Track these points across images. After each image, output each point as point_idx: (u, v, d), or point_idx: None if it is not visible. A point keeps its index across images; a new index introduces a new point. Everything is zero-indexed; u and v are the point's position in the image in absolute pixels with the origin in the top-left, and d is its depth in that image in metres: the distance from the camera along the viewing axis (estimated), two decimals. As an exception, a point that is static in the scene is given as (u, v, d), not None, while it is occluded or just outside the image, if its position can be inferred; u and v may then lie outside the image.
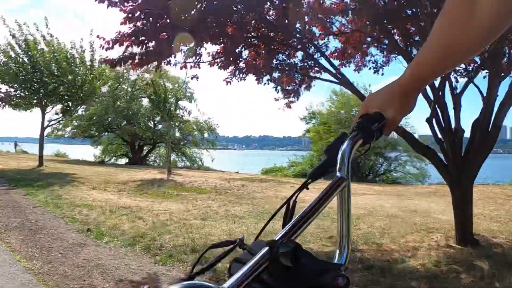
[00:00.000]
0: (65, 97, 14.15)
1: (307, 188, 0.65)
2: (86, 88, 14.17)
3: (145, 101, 27.02)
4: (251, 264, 0.47)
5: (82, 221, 5.78)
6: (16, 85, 13.45)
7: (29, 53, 12.92)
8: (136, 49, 4.86)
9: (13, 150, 37.43)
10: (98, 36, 5.02)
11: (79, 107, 15.91)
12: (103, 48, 4.84)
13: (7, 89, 13.69)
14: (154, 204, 7.63)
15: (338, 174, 0.61)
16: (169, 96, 16.03)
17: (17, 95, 13.89)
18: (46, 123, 14.90)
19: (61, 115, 15.87)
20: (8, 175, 11.09)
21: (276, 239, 0.50)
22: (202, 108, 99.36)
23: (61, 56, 13.52)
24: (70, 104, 14.54)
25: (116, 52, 7.23)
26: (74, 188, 9.08)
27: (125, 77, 26.45)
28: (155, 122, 27.72)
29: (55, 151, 34.36)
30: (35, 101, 14.14)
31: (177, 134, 27.02)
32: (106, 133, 28.66)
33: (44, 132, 14.69)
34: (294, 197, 0.63)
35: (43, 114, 14.48)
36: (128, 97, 26.75)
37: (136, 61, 4.98)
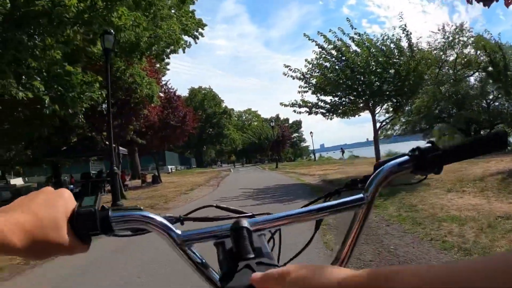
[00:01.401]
0: (392, 92, 13.12)
1: (339, 195, 0.62)
2: (412, 77, 12.59)
3: (471, 80, 24.22)
4: None
5: (457, 245, 4.03)
6: (339, 93, 13.74)
7: (343, 58, 12.88)
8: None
9: (342, 157, 42.07)
10: None
11: (409, 100, 14.53)
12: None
13: (331, 99, 14.23)
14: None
15: (362, 193, 0.58)
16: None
17: (343, 103, 14.17)
18: (378, 125, 14.40)
19: (391, 113, 15.07)
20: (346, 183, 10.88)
21: None
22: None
23: (377, 51, 12.73)
24: (400, 99, 13.34)
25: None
26: (426, 193, 7.51)
27: (443, 59, 23.71)
28: (488, 101, 23.83)
29: (386, 151, 35.58)
30: (361, 105, 14.03)
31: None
32: (437, 124, 27.07)
33: (377, 134, 14.26)
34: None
35: (373, 116, 14.07)
36: (452, 80, 23.70)
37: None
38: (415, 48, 12.89)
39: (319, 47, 13.10)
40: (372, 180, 0.59)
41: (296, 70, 13.34)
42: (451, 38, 23.40)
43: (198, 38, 29.29)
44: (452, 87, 22.90)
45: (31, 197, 0.50)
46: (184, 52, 30.79)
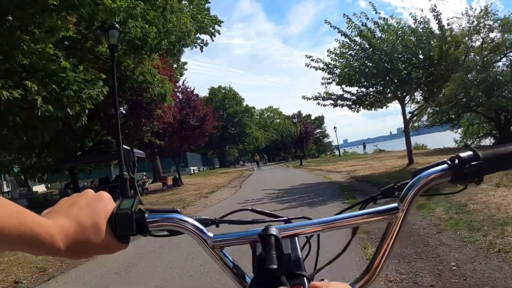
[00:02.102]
0: (422, 79, 11.97)
1: (375, 202, 0.62)
2: (445, 61, 11.42)
3: (500, 65, 22.97)
4: None
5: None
6: (365, 83, 12.69)
7: (367, 46, 11.81)
8: None
9: (365, 151, 40.73)
10: None
11: (442, 88, 13.31)
12: None
13: (357, 90, 13.15)
14: None
15: (396, 203, 0.56)
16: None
17: (370, 93, 13.09)
18: (408, 116, 13.27)
19: (422, 103, 13.89)
20: (378, 181, 9.85)
21: None
22: None
23: (404, 34, 11.62)
24: (431, 86, 12.16)
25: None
26: (473, 189, 6.50)
27: (469, 45, 22.33)
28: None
29: (412, 144, 33.88)
30: (389, 95, 12.94)
31: None
32: (467, 114, 25.63)
33: (408, 126, 13.13)
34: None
35: (403, 106, 12.96)
36: (479, 66, 22.18)
37: None
38: (446, 30, 11.70)
39: (342, 34, 12.12)
40: (408, 188, 0.56)
41: (319, 60, 12.39)
42: (476, 22, 21.83)
43: (214, 36, 28.71)
44: (480, 73, 21.33)
45: (74, 200, 0.53)
46: (202, 51, 30.47)
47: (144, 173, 26.04)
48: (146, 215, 0.55)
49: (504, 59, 22.77)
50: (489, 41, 22.53)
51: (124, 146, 13.75)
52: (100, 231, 0.50)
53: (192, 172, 36.36)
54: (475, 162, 0.53)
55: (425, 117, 26.84)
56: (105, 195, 0.55)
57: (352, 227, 0.58)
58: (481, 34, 22.44)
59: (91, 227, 0.50)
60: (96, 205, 0.52)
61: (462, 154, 0.55)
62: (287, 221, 0.64)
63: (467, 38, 21.49)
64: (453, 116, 25.58)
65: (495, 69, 22.60)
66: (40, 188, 26.54)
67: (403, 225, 0.55)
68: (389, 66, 11.56)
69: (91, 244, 0.50)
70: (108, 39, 8.40)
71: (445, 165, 0.55)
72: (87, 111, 7.19)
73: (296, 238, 0.60)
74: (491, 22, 22.05)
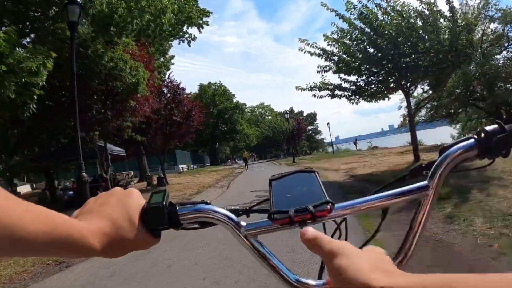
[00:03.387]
0: (430, 68, 10.78)
1: (403, 181, 0.61)
2: (455, 47, 10.25)
3: (499, 58, 21.82)
4: None
5: None
6: (366, 71, 11.47)
7: (368, 29, 10.57)
8: None
9: (359, 148, 39.83)
10: None
11: (451, 76, 12.15)
12: None
13: (357, 79, 11.91)
14: None
15: (426, 181, 0.55)
16: None
17: (372, 82, 11.86)
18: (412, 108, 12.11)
19: (425, 95, 12.73)
20: (384, 180, 8.64)
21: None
22: None
23: (410, 16, 10.41)
24: (440, 75, 10.98)
25: None
26: (506, 189, 5.32)
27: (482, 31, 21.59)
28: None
29: (408, 141, 33.34)
30: (392, 85, 11.76)
31: None
32: (466, 109, 24.79)
33: (413, 118, 11.98)
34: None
35: (407, 97, 11.79)
36: (479, 58, 21.25)
37: None
38: (458, 12, 10.55)
39: (340, 17, 10.87)
40: (437, 166, 0.55)
41: (315, 44, 11.13)
42: (475, 14, 20.84)
43: (202, 27, 27.34)
44: (480, 66, 20.34)
45: (104, 199, 0.53)
46: (189, 45, 29.09)
47: (132, 172, 24.60)
48: (177, 208, 0.55)
49: (504, 52, 21.87)
50: (490, 32, 21.62)
51: (98, 143, 12.40)
52: (134, 227, 0.50)
53: (181, 170, 34.93)
54: (501, 135, 0.52)
55: (423, 112, 25.95)
56: (134, 191, 0.55)
57: (381, 208, 0.56)
58: (481, 26, 21.51)
59: (125, 224, 0.49)
60: (126, 202, 0.52)
61: (488, 128, 0.54)
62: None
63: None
64: (452, 111, 24.84)
65: (496, 62, 21.69)
66: (25, 189, 24.94)
67: (433, 203, 0.55)
68: (393, 51, 10.35)
69: (126, 241, 0.49)
70: (67, 16, 7.07)
71: (472, 140, 0.55)
72: (35, 97, 5.89)
73: (323, 223, 0.58)
74: (491, 13, 21.11)
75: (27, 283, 4.05)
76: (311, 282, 0.51)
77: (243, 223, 0.56)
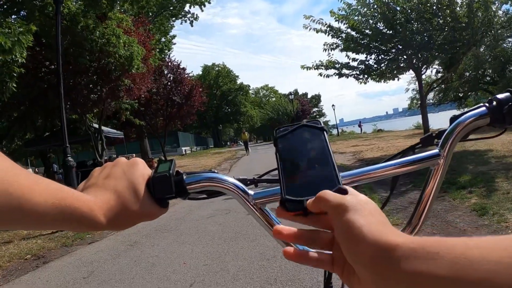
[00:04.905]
0: (444, 46, 10.08)
1: (413, 152, 0.60)
2: (473, 24, 9.52)
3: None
4: None
5: None
6: (375, 49, 10.76)
7: (378, 3, 9.80)
8: None
9: (364, 131, 39.10)
10: None
11: (466, 55, 11.42)
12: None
13: (366, 57, 11.20)
14: None
15: (437, 149, 0.55)
16: None
17: (382, 61, 11.16)
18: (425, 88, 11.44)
19: (440, 74, 12.03)
20: None
21: None
22: None
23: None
24: (454, 54, 10.27)
25: None
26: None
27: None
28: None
29: (414, 124, 32.68)
30: (402, 65, 11.07)
31: None
32: (475, 92, 24.15)
33: (425, 100, 11.33)
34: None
35: (419, 77, 11.13)
36: (490, 41, 20.29)
37: None
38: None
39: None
40: (448, 134, 0.56)
41: (321, 21, 10.41)
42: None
43: (204, 5, 26.50)
44: (492, 49, 19.37)
45: (108, 171, 0.51)
46: (192, 25, 28.33)
47: (134, 155, 24.24)
48: (184, 177, 0.53)
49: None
50: (501, 14, 20.60)
51: (94, 125, 11.90)
52: (140, 197, 0.49)
53: (184, 152, 34.50)
54: None
55: (430, 95, 25.22)
56: (139, 160, 0.53)
57: (392, 176, 0.56)
58: (493, 7, 20.47)
59: (130, 196, 0.48)
60: (132, 172, 0.50)
61: (500, 96, 0.54)
62: None
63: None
64: (461, 95, 24.27)
65: (508, 45, 20.73)
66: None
67: (444, 172, 0.55)
68: (405, 28, 9.64)
69: (132, 212, 0.48)
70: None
71: (483, 108, 0.55)
72: (15, 75, 5.35)
73: None
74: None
75: (-4, 284, 3.60)
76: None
77: (251, 192, 0.54)
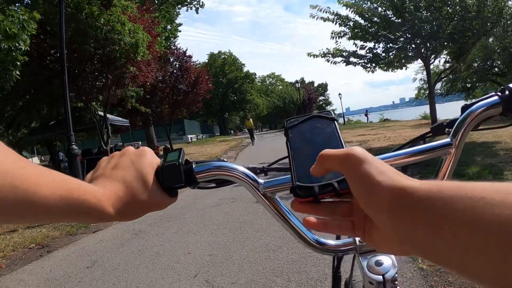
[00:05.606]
0: (452, 36, 9.86)
1: (424, 141, 0.58)
2: (483, 13, 9.29)
3: None
4: None
5: None
6: (383, 38, 10.56)
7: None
8: None
9: (370, 120, 38.73)
10: None
11: (476, 44, 11.16)
12: None
13: (374, 46, 10.99)
14: None
15: (448, 138, 0.55)
16: None
17: (390, 49, 10.96)
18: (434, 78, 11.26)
19: (449, 64, 11.80)
20: None
21: None
22: None
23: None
24: (464, 44, 10.05)
25: None
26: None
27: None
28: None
29: (421, 114, 32.35)
30: (411, 54, 10.87)
31: None
32: (483, 83, 23.86)
33: (433, 89, 11.15)
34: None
35: (427, 66, 10.94)
36: (499, 32, 19.78)
37: None
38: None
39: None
40: (460, 123, 0.55)
41: (328, 9, 10.23)
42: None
43: (210, -9, 26.09)
44: (501, 40, 18.91)
45: (116, 161, 0.50)
46: (197, 12, 28.04)
47: (140, 143, 24.36)
48: (194, 166, 0.53)
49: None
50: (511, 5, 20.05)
51: (99, 113, 11.90)
52: (149, 187, 0.48)
53: (190, 140, 34.54)
54: None
55: (438, 85, 24.92)
56: (147, 150, 0.53)
57: (401, 166, 0.55)
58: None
59: (139, 186, 0.47)
60: (140, 162, 0.49)
61: None
62: None
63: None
64: (469, 85, 24.10)
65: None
66: (33, 161, 25.06)
67: (456, 161, 0.54)
68: (414, 16, 9.44)
69: (141, 202, 0.48)
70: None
71: (496, 97, 0.54)
72: (18, 63, 5.33)
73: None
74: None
75: (2, 273, 3.63)
76: (331, 242, 0.52)
77: (261, 181, 0.54)
